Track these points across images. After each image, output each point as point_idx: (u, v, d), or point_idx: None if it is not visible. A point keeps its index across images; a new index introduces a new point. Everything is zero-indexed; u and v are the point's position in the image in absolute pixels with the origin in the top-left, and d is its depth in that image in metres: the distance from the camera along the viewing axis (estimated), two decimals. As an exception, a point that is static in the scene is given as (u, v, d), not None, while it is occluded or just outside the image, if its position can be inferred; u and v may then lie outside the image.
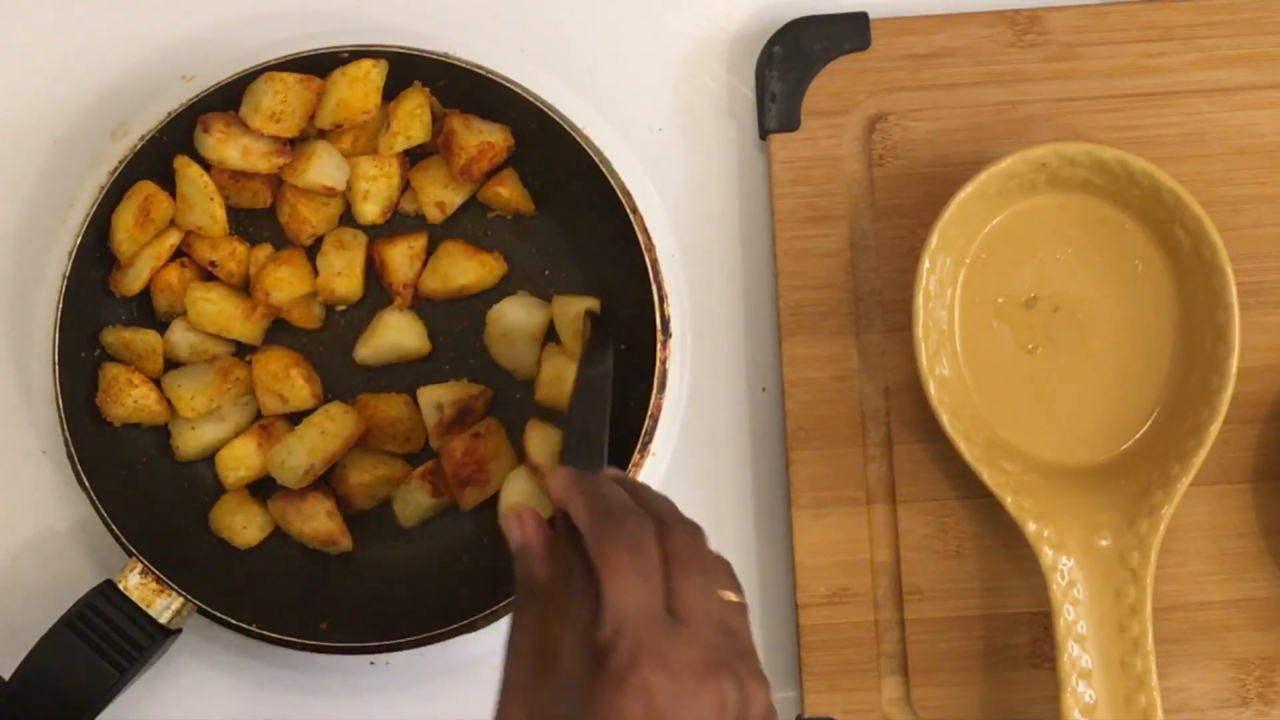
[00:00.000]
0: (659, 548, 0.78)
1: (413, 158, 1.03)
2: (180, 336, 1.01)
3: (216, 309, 1.00)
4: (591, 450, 0.89)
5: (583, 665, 0.75)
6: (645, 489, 0.84)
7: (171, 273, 1.01)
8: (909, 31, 1.03)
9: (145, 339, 1.00)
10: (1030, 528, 0.96)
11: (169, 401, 1.00)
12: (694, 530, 0.81)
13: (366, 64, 0.99)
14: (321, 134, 1.01)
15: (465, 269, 1.01)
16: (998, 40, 1.03)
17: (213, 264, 1.01)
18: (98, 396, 0.99)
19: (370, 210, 1.02)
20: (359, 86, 0.99)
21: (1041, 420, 0.99)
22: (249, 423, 1.01)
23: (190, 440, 1.01)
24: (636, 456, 0.99)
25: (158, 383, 1.00)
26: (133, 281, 1.00)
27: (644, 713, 0.73)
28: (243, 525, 1.00)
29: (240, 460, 1.00)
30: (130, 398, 0.99)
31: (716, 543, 1.02)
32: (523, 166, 1.03)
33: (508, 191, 1.02)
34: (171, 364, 1.01)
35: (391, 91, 1.01)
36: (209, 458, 1.01)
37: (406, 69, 1.00)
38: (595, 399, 0.91)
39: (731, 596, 0.79)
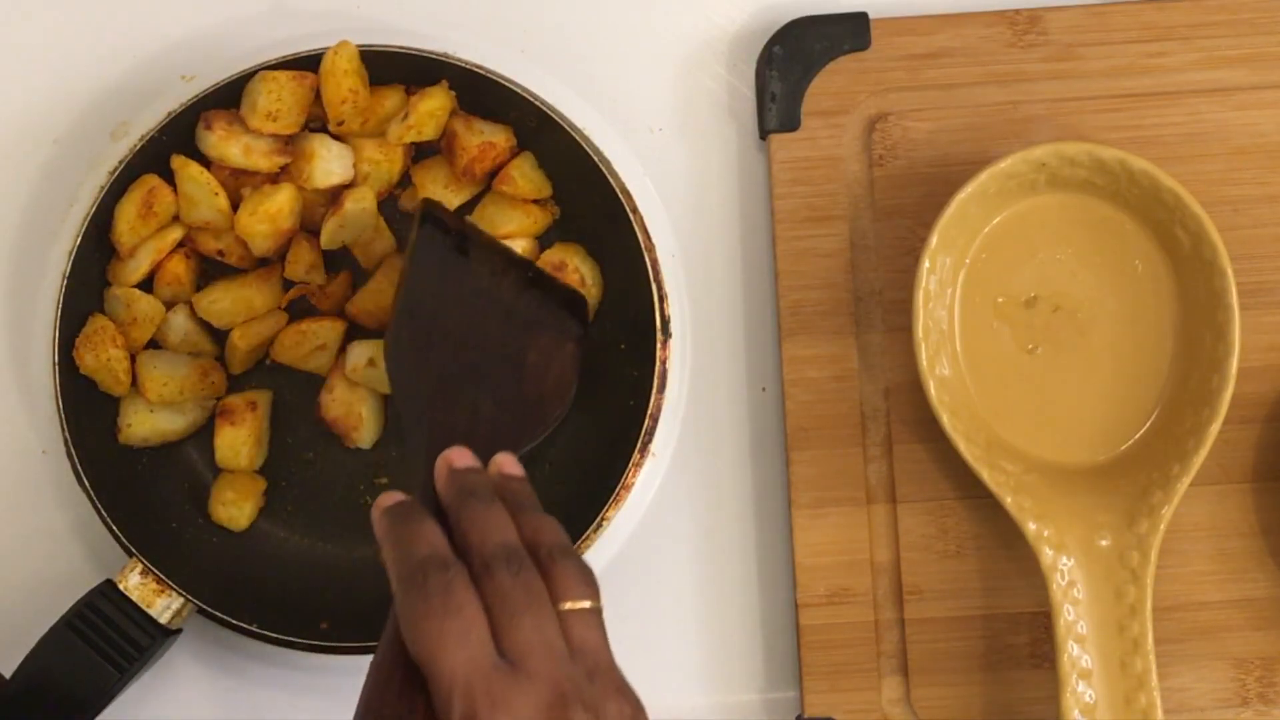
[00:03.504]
0: (477, 596, 0.75)
1: (417, 154, 1.03)
2: (180, 322, 1.01)
3: (231, 298, 1.00)
4: (416, 444, 0.83)
5: None
6: (488, 482, 0.81)
7: (177, 264, 1.01)
8: (909, 31, 1.03)
9: (149, 304, 1.00)
10: (1030, 528, 0.96)
11: (135, 379, 1.00)
12: (516, 560, 0.76)
13: (329, 55, 0.99)
14: (322, 126, 1.01)
15: (510, 217, 1.01)
16: (998, 40, 1.03)
17: (221, 252, 1.01)
18: (77, 339, 0.99)
19: (369, 185, 1.02)
20: (330, 80, 0.99)
21: (1041, 420, 0.99)
22: (202, 424, 1.02)
23: (144, 422, 1.00)
24: (637, 456, 0.99)
25: (133, 360, 1.00)
26: (132, 273, 1.00)
27: None
28: (234, 511, 1.01)
29: (238, 443, 1.00)
30: (106, 354, 0.98)
31: (717, 542, 1.02)
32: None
33: (522, 175, 1.01)
34: (154, 347, 1.01)
35: (415, 83, 1.01)
36: (150, 446, 1.01)
37: (415, 69, 1.00)
38: (415, 338, 0.85)
39: (579, 605, 0.77)
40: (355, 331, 1.01)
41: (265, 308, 1.01)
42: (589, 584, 0.78)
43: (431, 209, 0.94)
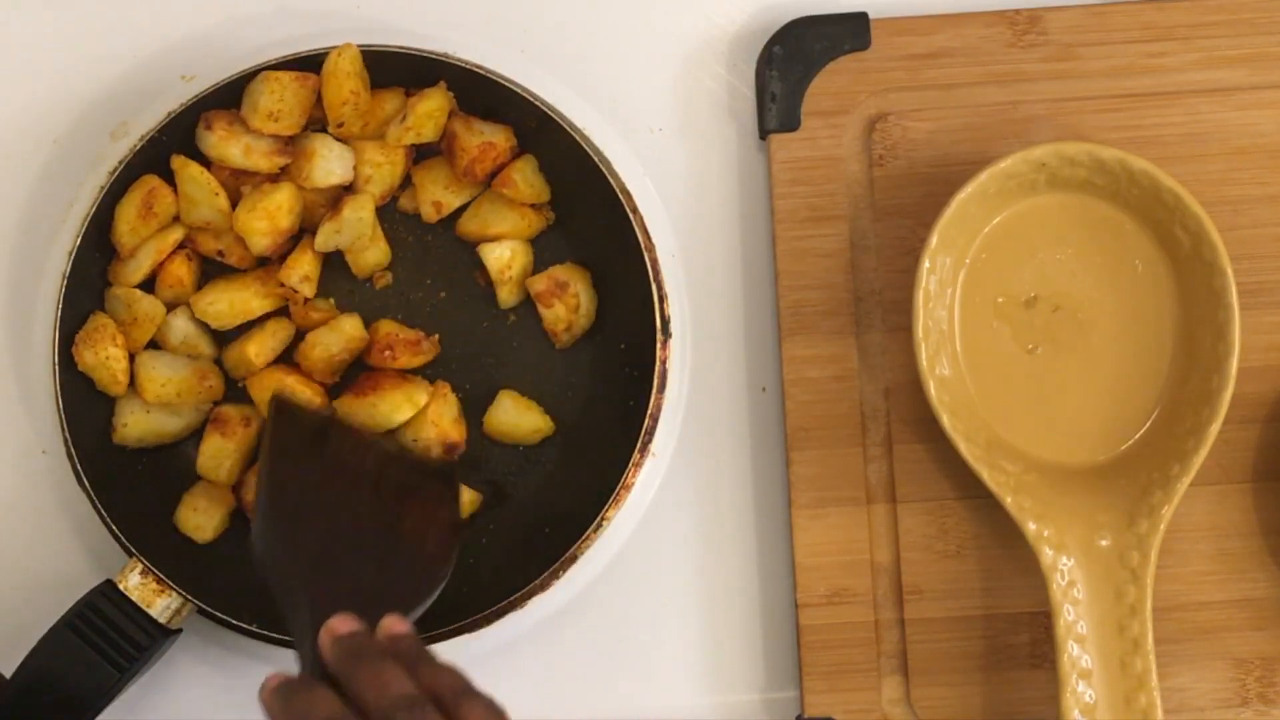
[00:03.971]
0: None
1: (418, 154, 1.03)
2: (181, 324, 1.01)
3: (229, 300, 1.00)
4: (298, 620, 0.83)
5: None
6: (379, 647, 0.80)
7: (179, 266, 1.01)
8: (909, 31, 1.03)
9: (150, 304, 1.00)
10: (1030, 528, 0.96)
11: (133, 379, 1.00)
12: (416, 707, 0.75)
13: (332, 57, 0.99)
14: (323, 127, 1.01)
15: (504, 218, 1.01)
16: (998, 40, 1.03)
17: (220, 253, 1.01)
18: (77, 336, 0.99)
19: (370, 192, 1.02)
20: (331, 82, 0.99)
21: (1041, 420, 0.99)
22: (198, 426, 1.01)
23: (139, 423, 1.00)
24: (637, 456, 0.99)
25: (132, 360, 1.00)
26: (133, 273, 1.00)
27: None
28: (201, 520, 1.01)
29: (222, 455, 1.00)
30: (105, 351, 0.98)
31: (717, 543, 1.02)
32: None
33: (523, 179, 1.01)
34: (154, 348, 1.01)
35: (414, 85, 1.01)
36: (145, 447, 1.01)
37: (416, 69, 1.00)
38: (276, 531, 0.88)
39: None
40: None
41: (263, 309, 1.01)
42: (501, 717, 0.77)
43: (283, 402, 0.96)
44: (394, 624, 0.82)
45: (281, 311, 1.02)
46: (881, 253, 1.02)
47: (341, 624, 0.81)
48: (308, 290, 1.01)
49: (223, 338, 1.02)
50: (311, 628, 0.81)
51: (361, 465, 0.94)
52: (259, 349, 1.00)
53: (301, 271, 1.00)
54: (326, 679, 0.79)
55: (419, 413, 0.99)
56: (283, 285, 1.00)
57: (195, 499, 1.01)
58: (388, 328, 1.01)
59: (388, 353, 1.01)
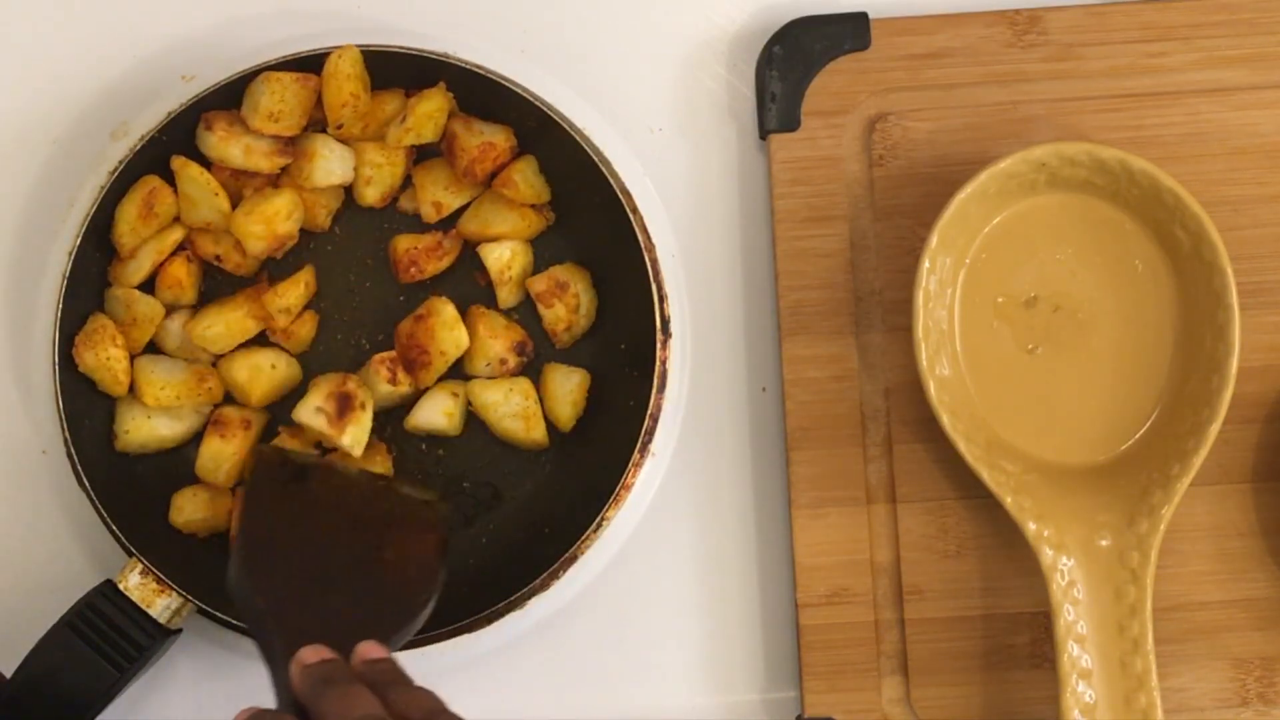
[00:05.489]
0: None
1: (418, 155, 1.03)
2: (179, 328, 1.01)
3: (225, 322, 1.00)
4: (272, 655, 0.84)
5: None
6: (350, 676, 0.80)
7: (179, 267, 1.01)
8: (909, 31, 1.03)
9: (149, 305, 1.00)
10: (1030, 528, 0.96)
11: (133, 382, 1.00)
12: None
13: (333, 59, 0.99)
14: (323, 128, 1.01)
15: (504, 219, 1.02)
16: (998, 40, 1.03)
17: (218, 258, 1.01)
18: (77, 337, 0.99)
19: (371, 194, 1.02)
20: (331, 84, 0.99)
21: (1041, 420, 0.99)
22: (199, 429, 1.01)
23: (140, 428, 1.00)
24: (636, 456, 0.99)
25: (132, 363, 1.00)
26: (134, 274, 1.00)
27: None
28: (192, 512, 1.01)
29: (221, 458, 1.00)
30: (105, 353, 0.98)
31: (717, 543, 1.02)
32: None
33: (523, 180, 1.01)
34: (153, 351, 1.01)
35: (413, 87, 1.01)
36: (150, 452, 1.01)
37: (415, 69, 1.00)
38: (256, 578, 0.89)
39: None
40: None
41: (259, 328, 1.01)
42: None
43: (264, 452, 0.97)
44: (369, 650, 0.82)
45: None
46: (881, 253, 1.02)
47: (310, 654, 0.81)
48: (283, 321, 1.01)
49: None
50: (283, 661, 0.82)
51: (342, 501, 0.95)
52: (263, 395, 1.01)
53: (286, 302, 1.00)
54: (297, 710, 0.79)
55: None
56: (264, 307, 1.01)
57: (189, 499, 1.01)
58: (405, 242, 1.02)
59: (414, 268, 1.01)
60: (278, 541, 0.92)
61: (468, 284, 1.03)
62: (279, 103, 0.99)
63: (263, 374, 1.00)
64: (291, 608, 0.87)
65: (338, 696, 0.77)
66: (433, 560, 0.94)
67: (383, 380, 1.00)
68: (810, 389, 1.01)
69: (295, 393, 1.02)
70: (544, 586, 0.99)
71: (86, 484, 0.98)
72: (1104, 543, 0.96)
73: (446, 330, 0.99)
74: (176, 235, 1.01)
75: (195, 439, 1.01)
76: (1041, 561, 0.95)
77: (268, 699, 1.01)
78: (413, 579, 0.92)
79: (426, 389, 1.01)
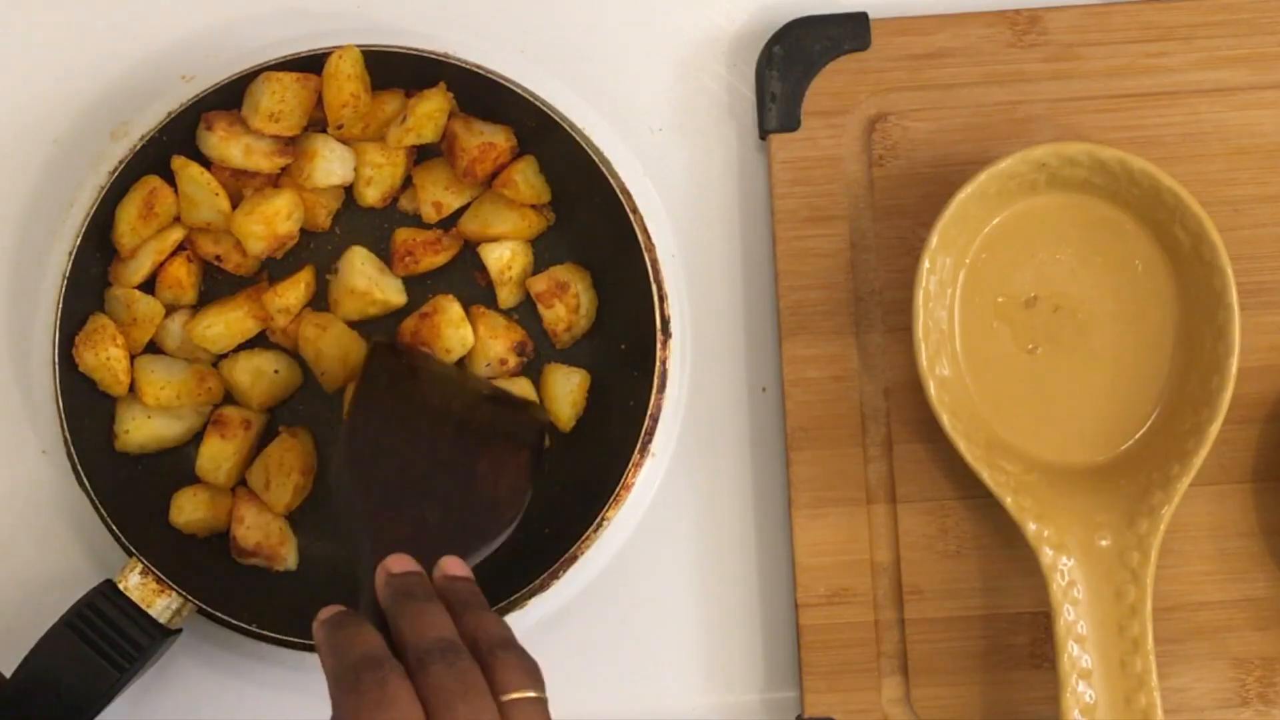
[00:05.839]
0: (412, 690, 0.75)
1: (419, 155, 1.03)
2: (179, 328, 1.01)
3: (225, 323, 1.00)
4: (361, 555, 0.85)
5: None
6: (431, 597, 0.81)
7: (179, 267, 1.01)
8: (909, 31, 1.03)
9: (149, 305, 1.00)
10: (1030, 528, 0.96)
11: (133, 382, 1.00)
12: (451, 653, 0.77)
13: (333, 59, 0.99)
14: (323, 128, 1.01)
15: (504, 219, 1.02)
16: (998, 40, 1.03)
17: (218, 258, 1.01)
18: (77, 337, 0.99)
19: (371, 194, 1.02)
20: (332, 84, 0.99)
21: (1041, 420, 0.99)
22: (199, 429, 1.01)
23: (141, 428, 1.00)
24: (636, 456, 0.99)
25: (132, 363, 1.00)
26: (134, 274, 1.00)
27: None
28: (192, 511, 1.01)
29: (221, 458, 1.00)
30: (106, 352, 0.98)
31: (717, 543, 1.02)
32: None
33: (523, 180, 1.01)
34: (154, 351, 1.01)
35: (415, 88, 1.01)
36: (150, 453, 1.01)
37: (415, 69, 1.00)
38: (360, 476, 0.89)
39: (523, 694, 0.77)
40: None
41: (259, 328, 1.01)
42: (532, 674, 0.78)
43: (379, 344, 0.97)
44: (451, 565, 0.84)
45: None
46: (881, 253, 1.02)
47: (396, 563, 0.82)
48: (282, 321, 1.01)
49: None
50: (370, 563, 0.83)
51: (447, 407, 0.94)
52: (264, 399, 1.01)
53: (286, 302, 1.00)
54: (377, 615, 0.81)
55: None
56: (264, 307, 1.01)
57: (189, 499, 1.00)
58: (404, 235, 1.02)
59: (409, 258, 1.01)
60: (384, 439, 0.91)
61: (468, 284, 1.03)
62: (279, 103, 0.99)
63: (264, 377, 1.00)
64: (387, 510, 0.87)
65: (416, 613, 0.79)
66: (523, 478, 0.93)
67: None
68: (810, 389, 1.01)
69: (297, 395, 1.02)
70: (544, 586, 0.99)
71: (86, 484, 0.98)
72: (1104, 543, 0.96)
73: (452, 328, 0.99)
74: (177, 235, 1.01)
75: (195, 439, 1.01)
76: (1041, 561, 0.95)
77: (267, 700, 1.02)
78: (502, 495, 0.92)
79: None
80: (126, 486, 1.00)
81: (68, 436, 0.98)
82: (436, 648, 0.77)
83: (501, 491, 0.92)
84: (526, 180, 1.01)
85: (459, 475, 0.91)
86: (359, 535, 0.86)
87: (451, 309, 1.00)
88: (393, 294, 1.01)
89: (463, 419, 0.94)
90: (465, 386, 0.98)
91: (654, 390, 0.99)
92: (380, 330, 1.02)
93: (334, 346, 1.00)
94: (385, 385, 0.94)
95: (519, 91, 1.00)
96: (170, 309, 1.01)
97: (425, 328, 1.00)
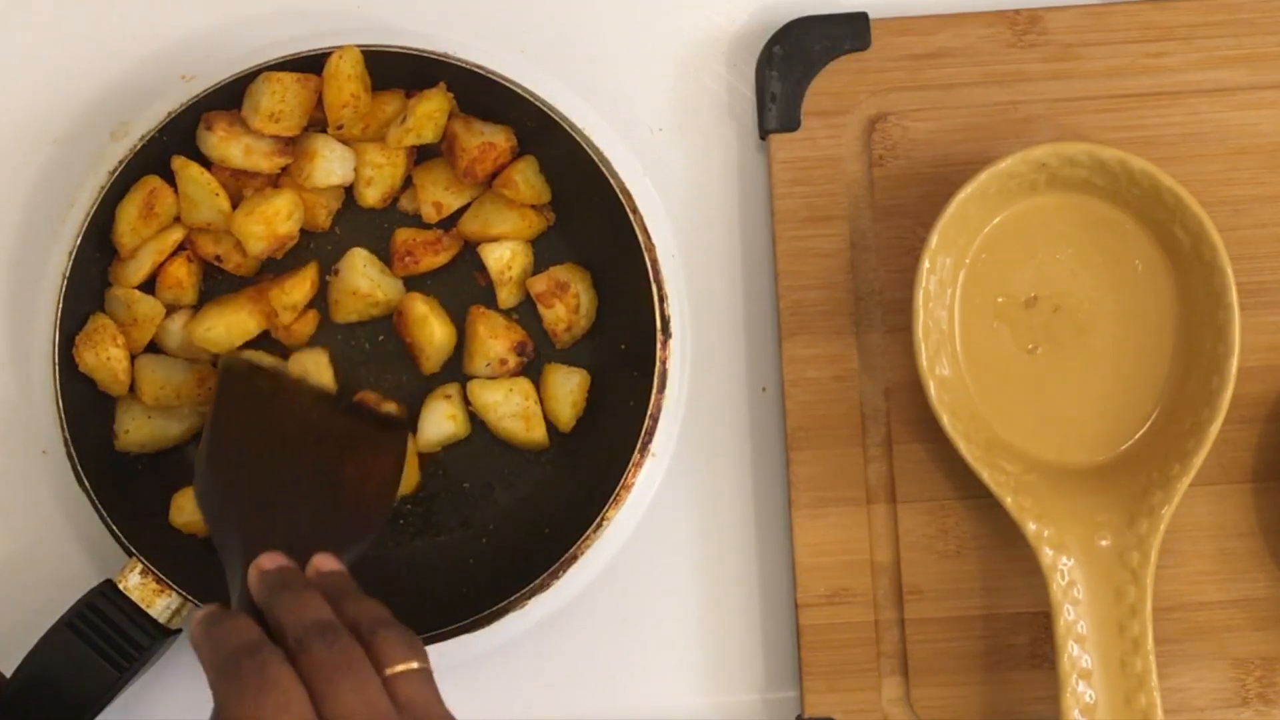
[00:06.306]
0: (293, 671, 0.75)
1: (419, 155, 1.03)
2: (179, 328, 1.01)
3: (225, 323, 1.00)
4: (231, 558, 0.86)
5: None
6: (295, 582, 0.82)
7: (179, 267, 1.01)
8: (909, 31, 1.03)
9: (149, 305, 1.00)
10: (1030, 528, 0.96)
11: (133, 382, 1.00)
12: (330, 632, 0.77)
13: (333, 59, 0.99)
14: (324, 128, 1.01)
15: (504, 219, 1.02)
16: (998, 40, 1.03)
17: (218, 258, 1.01)
18: (78, 336, 0.99)
19: (371, 195, 1.02)
20: (332, 84, 0.99)
21: (1041, 420, 0.99)
22: (198, 429, 1.01)
23: (140, 428, 1.00)
24: (636, 456, 0.99)
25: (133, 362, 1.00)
26: (134, 274, 1.00)
27: None
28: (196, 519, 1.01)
29: None
30: (106, 352, 0.98)
31: (717, 543, 1.02)
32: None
33: (524, 180, 1.01)
34: (154, 351, 1.01)
35: (415, 88, 1.01)
36: (149, 452, 1.01)
37: (415, 70, 1.00)
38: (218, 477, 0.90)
39: (407, 666, 0.77)
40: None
41: (260, 329, 1.01)
42: (414, 647, 0.79)
43: (232, 364, 0.97)
44: (324, 561, 0.85)
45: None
46: (881, 253, 1.02)
47: (268, 560, 0.83)
48: (287, 318, 1.01)
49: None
50: (242, 566, 0.84)
51: (307, 418, 0.96)
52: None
53: (292, 299, 1.00)
54: (252, 612, 0.81)
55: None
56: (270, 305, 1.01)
57: (189, 500, 1.00)
58: (404, 235, 1.02)
59: (408, 258, 1.01)
60: (244, 451, 0.92)
61: (468, 284, 1.03)
62: (279, 103, 0.99)
63: None
64: (253, 515, 0.88)
65: (292, 601, 0.79)
66: (389, 480, 0.94)
67: None
68: (810, 389, 1.01)
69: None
70: (544, 586, 0.99)
71: (86, 484, 0.98)
72: (1104, 543, 0.96)
73: (419, 327, 1.00)
74: (177, 235, 1.01)
75: (195, 439, 1.01)
76: (1041, 561, 0.95)
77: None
78: (369, 497, 0.93)
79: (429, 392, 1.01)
80: (126, 486, 1.00)
81: (68, 436, 0.98)
82: (315, 629, 0.77)
83: (369, 493, 0.93)
84: (526, 180, 1.01)
85: (324, 482, 0.92)
86: (229, 541, 0.87)
87: (415, 308, 1.00)
88: (394, 295, 1.01)
89: (324, 428, 0.95)
90: (322, 399, 0.98)
91: (654, 390, 0.99)
92: (381, 329, 1.02)
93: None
94: (240, 401, 0.94)
95: (519, 92, 1.00)
96: (170, 309, 1.01)
97: (400, 325, 1.00)
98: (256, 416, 0.94)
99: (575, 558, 0.99)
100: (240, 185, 1.01)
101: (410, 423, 1.01)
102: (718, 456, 1.03)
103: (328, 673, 0.75)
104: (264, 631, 0.78)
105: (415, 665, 0.78)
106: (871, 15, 1.03)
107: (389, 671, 0.77)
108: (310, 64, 1.00)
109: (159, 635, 0.97)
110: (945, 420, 0.96)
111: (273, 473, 0.91)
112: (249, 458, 0.92)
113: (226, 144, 0.99)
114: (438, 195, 1.02)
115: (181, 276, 1.01)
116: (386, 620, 0.80)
